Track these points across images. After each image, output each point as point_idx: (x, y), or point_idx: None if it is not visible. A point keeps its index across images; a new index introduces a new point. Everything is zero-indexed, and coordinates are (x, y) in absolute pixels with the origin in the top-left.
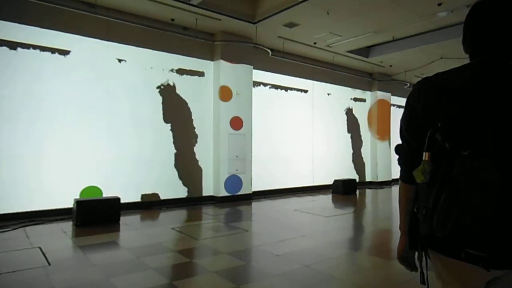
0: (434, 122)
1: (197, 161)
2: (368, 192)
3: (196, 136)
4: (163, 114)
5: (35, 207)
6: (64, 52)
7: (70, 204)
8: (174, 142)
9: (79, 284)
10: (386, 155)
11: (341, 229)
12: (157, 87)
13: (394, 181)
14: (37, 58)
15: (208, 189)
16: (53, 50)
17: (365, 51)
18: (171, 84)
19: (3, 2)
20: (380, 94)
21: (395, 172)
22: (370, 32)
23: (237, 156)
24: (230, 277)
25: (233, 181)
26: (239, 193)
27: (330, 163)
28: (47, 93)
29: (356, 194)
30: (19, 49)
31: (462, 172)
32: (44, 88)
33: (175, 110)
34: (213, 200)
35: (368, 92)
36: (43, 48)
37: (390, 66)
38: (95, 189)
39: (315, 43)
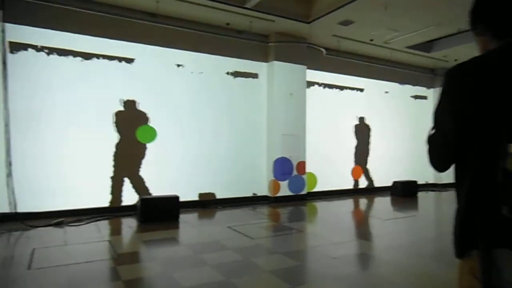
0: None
1: (252, 161)
2: (431, 194)
3: (250, 136)
4: (219, 116)
5: (105, 204)
6: (129, 60)
7: (135, 201)
8: (229, 143)
9: (144, 277)
10: None
11: (400, 233)
12: (213, 90)
13: None
14: (107, 66)
15: (262, 189)
16: (120, 59)
17: (426, 46)
18: (226, 86)
19: (77, 17)
20: None
21: None
22: (431, 25)
23: (290, 157)
24: (285, 277)
25: (297, 180)
26: (296, 193)
27: (389, 163)
28: (113, 97)
29: (417, 197)
30: (94, 59)
31: None
32: (112, 93)
33: (229, 111)
34: (267, 200)
35: (431, 89)
36: (111, 58)
37: (455, 60)
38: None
39: (371, 40)
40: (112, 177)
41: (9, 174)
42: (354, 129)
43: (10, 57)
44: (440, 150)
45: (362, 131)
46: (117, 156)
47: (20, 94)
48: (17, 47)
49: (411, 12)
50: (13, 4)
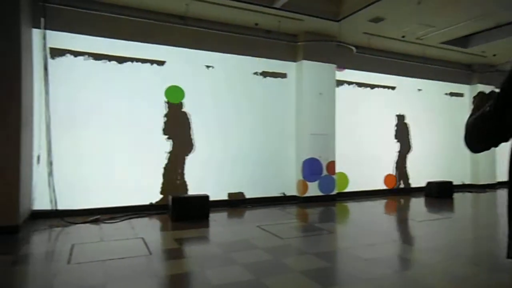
0: None
1: (281, 161)
2: (468, 196)
3: (278, 136)
4: (248, 116)
5: (139, 202)
6: (161, 63)
7: (166, 200)
8: (258, 143)
9: (177, 274)
10: (490, 154)
11: (435, 235)
12: (242, 90)
13: (500, 184)
14: (140, 69)
15: (291, 189)
16: (151, 62)
17: (462, 41)
18: (255, 86)
19: (111, 23)
20: (482, 88)
21: (501, 173)
22: (468, 19)
23: (320, 157)
24: (315, 278)
25: (327, 181)
26: (326, 193)
27: (423, 164)
28: (146, 99)
29: (452, 198)
30: (128, 62)
31: None
32: (145, 95)
33: (258, 112)
34: (296, 200)
35: (467, 86)
36: (143, 61)
37: (494, 55)
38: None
39: (403, 37)
40: (163, 174)
41: (50, 173)
42: (395, 129)
43: (50, 62)
44: (484, 127)
45: (402, 130)
46: (171, 155)
47: (60, 97)
48: (56, 52)
49: (445, 6)
50: (53, 12)
